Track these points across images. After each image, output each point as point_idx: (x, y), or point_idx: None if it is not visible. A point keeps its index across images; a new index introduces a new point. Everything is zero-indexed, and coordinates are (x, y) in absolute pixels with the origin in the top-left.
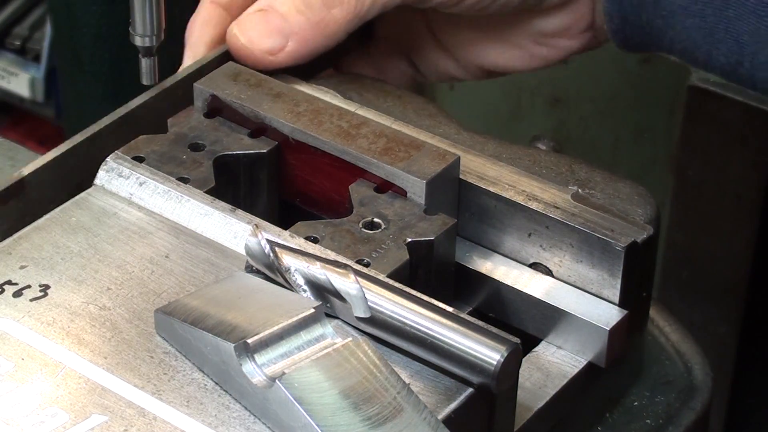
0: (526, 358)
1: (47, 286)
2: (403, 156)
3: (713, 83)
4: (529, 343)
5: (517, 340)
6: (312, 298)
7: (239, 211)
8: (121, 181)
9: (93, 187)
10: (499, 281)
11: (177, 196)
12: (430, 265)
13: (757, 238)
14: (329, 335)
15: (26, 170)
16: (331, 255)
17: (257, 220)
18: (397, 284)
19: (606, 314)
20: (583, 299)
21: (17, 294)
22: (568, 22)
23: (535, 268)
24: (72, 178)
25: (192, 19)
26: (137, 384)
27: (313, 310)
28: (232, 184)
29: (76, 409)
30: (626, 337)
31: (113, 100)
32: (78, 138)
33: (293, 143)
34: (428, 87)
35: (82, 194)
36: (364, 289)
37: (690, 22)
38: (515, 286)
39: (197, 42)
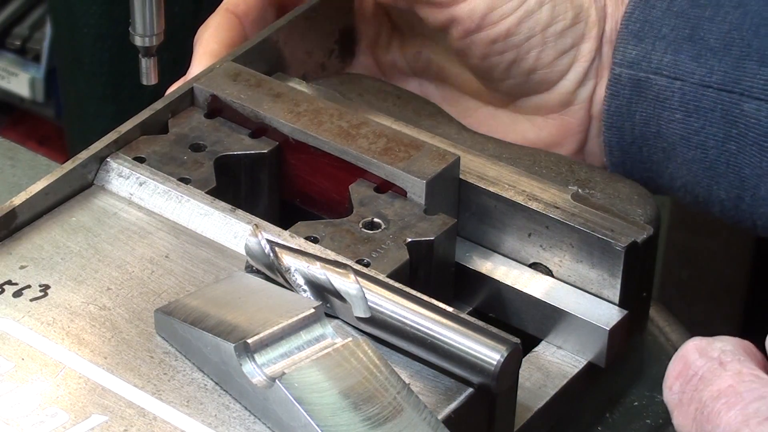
0: (526, 358)
1: (47, 286)
2: (403, 156)
3: None
4: (529, 343)
5: (517, 340)
6: (312, 298)
7: (239, 211)
8: (121, 181)
9: (93, 187)
10: (499, 281)
11: (177, 196)
12: (430, 265)
13: (757, 238)
14: (329, 335)
15: (17, 200)
16: (331, 255)
17: (257, 220)
18: (397, 284)
19: (606, 314)
20: (583, 299)
21: (17, 294)
22: (557, 137)
23: (535, 268)
24: (62, 190)
25: (204, 24)
26: (137, 384)
27: (313, 310)
28: (232, 185)
29: (76, 409)
30: (626, 337)
31: (113, 100)
32: (69, 165)
33: (293, 143)
34: None
35: (82, 194)
36: (364, 289)
37: (691, 155)
38: (515, 286)
39: (206, 49)
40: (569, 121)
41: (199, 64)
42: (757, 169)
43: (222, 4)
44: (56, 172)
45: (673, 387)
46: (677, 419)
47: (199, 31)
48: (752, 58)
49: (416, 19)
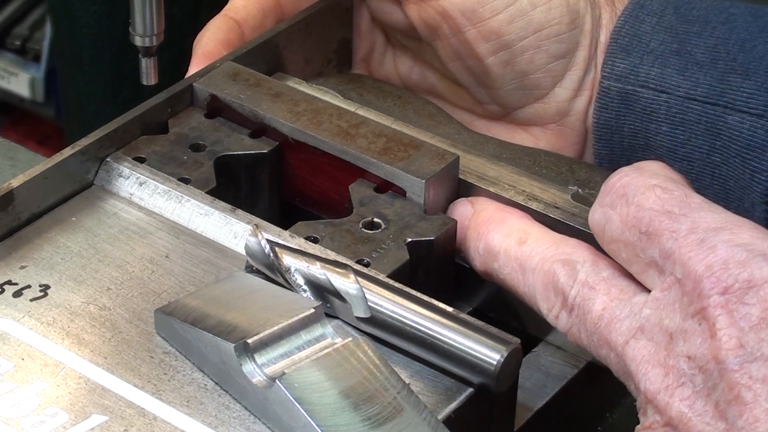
0: (526, 358)
1: (47, 286)
2: (403, 156)
3: None
4: (529, 343)
5: (517, 340)
6: (312, 298)
7: (239, 211)
8: (121, 181)
9: (93, 187)
10: None
11: (177, 196)
12: (430, 265)
13: None
14: (329, 335)
15: (15, 182)
16: (331, 255)
17: (257, 220)
18: (397, 284)
19: None
20: None
21: (17, 294)
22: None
23: None
24: (62, 190)
25: (204, 29)
26: (137, 384)
27: (313, 310)
28: (232, 185)
29: (76, 409)
30: None
31: (113, 100)
32: (68, 151)
33: (293, 143)
34: None
35: (82, 194)
36: (364, 289)
37: (678, 167)
38: None
39: (205, 50)
40: (566, 132)
41: (197, 65)
42: (740, 181)
43: (222, 10)
44: (55, 157)
45: (560, 317)
46: (575, 343)
47: (199, 34)
48: (737, 72)
49: (409, 35)
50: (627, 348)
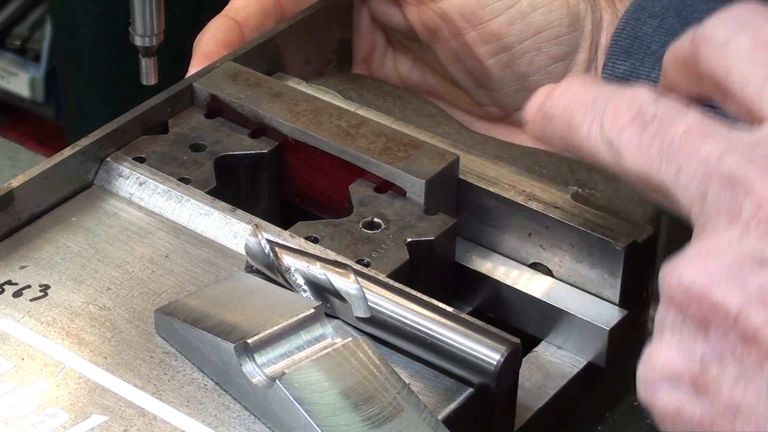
0: (526, 358)
1: (47, 286)
2: (403, 156)
3: None
4: (529, 343)
5: (517, 340)
6: (312, 298)
7: (239, 211)
8: (121, 181)
9: (93, 187)
10: (499, 281)
11: (177, 196)
12: (430, 265)
13: None
14: (329, 335)
15: (15, 182)
16: (331, 255)
17: (257, 220)
18: (397, 284)
19: (606, 314)
20: (583, 299)
21: (17, 294)
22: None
23: (535, 268)
24: (62, 190)
25: (204, 29)
26: (137, 384)
27: (313, 310)
28: (233, 185)
29: (76, 409)
30: (626, 337)
31: (113, 100)
32: (68, 151)
33: (293, 143)
34: None
35: (82, 194)
36: (364, 289)
37: None
38: (515, 286)
39: (205, 50)
40: None
41: (197, 65)
42: None
43: (223, 10)
44: (55, 157)
45: (625, 132)
46: (629, 161)
47: (199, 34)
48: None
49: (410, 36)
50: (727, 156)
